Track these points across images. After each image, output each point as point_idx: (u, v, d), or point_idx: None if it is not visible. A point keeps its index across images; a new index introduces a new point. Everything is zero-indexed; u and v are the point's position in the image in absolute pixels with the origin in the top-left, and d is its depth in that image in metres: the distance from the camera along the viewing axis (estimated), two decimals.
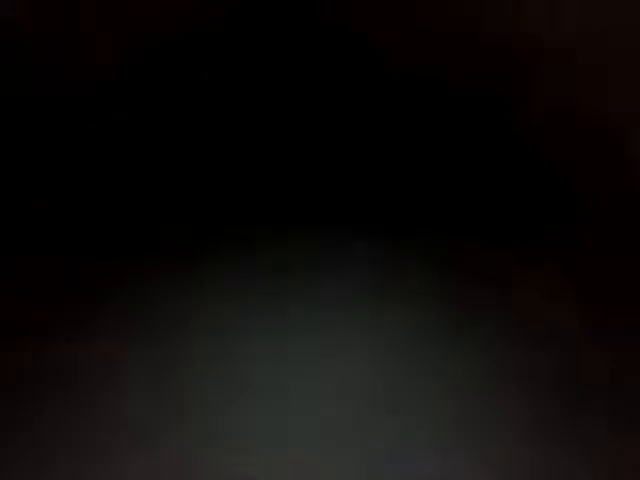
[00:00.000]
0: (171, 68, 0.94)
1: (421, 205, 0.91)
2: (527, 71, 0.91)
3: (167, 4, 0.93)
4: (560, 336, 0.82)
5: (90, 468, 0.72)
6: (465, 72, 0.92)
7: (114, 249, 0.86)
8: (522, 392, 0.78)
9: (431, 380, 0.78)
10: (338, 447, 0.74)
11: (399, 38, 0.93)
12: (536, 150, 0.92)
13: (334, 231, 0.89)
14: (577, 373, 0.79)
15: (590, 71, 0.90)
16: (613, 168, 0.90)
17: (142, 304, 0.83)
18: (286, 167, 0.93)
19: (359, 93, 0.95)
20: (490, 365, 0.79)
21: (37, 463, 0.72)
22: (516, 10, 0.90)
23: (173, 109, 0.94)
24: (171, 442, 0.74)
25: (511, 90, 0.92)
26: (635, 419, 0.76)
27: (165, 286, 0.84)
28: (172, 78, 0.94)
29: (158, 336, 0.80)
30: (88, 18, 0.92)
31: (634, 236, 0.88)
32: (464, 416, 0.76)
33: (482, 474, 0.73)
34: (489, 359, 0.80)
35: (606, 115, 0.89)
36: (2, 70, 0.91)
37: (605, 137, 0.90)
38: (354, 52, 0.94)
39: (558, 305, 0.84)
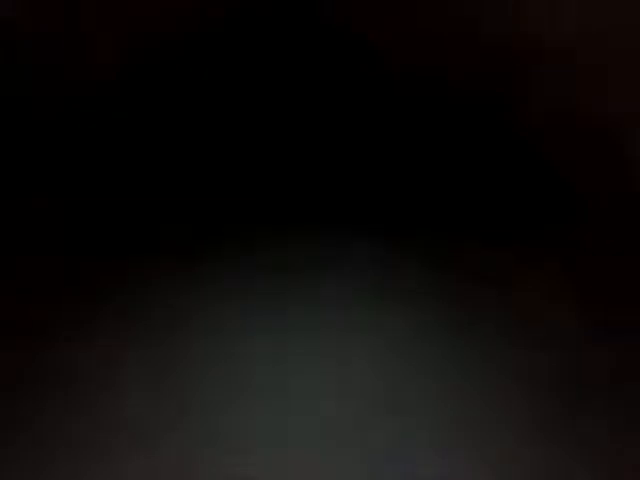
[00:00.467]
0: (171, 68, 0.94)
1: (421, 205, 0.91)
2: (527, 71, 0.91)
3: (167, 4, 0.93)
4: (560, 336, 0.82)
5: (90, 468, 0.72)
6: (465, 72, 0.92)
7: (114, 249, 0.86)
8: (522, 392, 0.78)
9: (431, 380, 0.78)
10: (338, 447, 0.74)
11: (399, 38, 0.93)
12: (536, 150, 0.92)
13: (334, 231, 0.89)
14: (577, 373, 0.79)
15: (590, 71, 0.90)
16: (613, 168, 0.90)
17: (142, 304, 0.83)
18: (286, 167, 0.93)
19: (359, 93, 0.95)
20: (490, 365, 0.79)
21: (37, 463, 0.72)
22: (516, 10, 0.90)
23: (173, 109, 0.94)
24: (171, 442, 0.74)
25: (511, 90, 0.92)
26: (635, 419, 0.76)
27: (165, 286, 0.84)
28: (172, 78, 0.94)
29: (158, 336, 0.80)
30: (88, 18, 0.92)
31: (634, 236, 0.88)
32: (464, 416, 0.76)
33: (482, 474, 0.73)
34: (489, 359, 0.80)
35: (606, 115, 0.89)
36: (2, 70, 0.91)
37: (605, 137, 0.90)
38: (354, 52, 0.94)
39: (558, 305, 0.84)
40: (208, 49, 0.94)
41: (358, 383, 0.78)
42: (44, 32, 0.91)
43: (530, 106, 0.92)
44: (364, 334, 0.81)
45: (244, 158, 0.93)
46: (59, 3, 0.91)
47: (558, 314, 0.83)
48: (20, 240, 0.87)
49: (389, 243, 0.88)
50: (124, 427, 0.75)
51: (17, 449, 0.73)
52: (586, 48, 0.89)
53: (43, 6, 0.91)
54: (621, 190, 0.89)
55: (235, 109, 0.95)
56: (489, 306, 0.83)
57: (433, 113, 0.94)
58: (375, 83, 0.94)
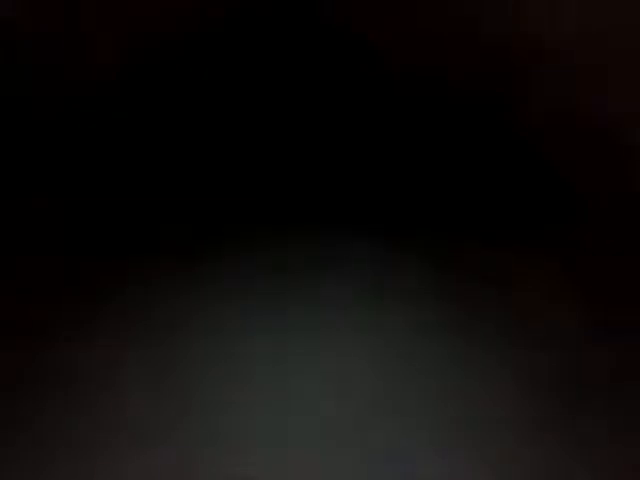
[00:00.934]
0: (171, 68, 0.94)
1: (421, 205, 0.91)
2: (527, 71, 0.91)
3: (167, 4, 0.93)
4: (560, 336, 0.82)
5: (90, 468, 0.72)
6: (465, 72, 0.93)
7: (114, 249, 0.86)
8: (522, 392, 0.78)
9: (431, 380, 0.78)
10: (338, 447, 0.74)
11: (399, 38, 0.93)
12: (536, 150, 0.92)
13: (334, 231, 0.89)
14: (577, 373, 0.79)
15: (590, 71, 0.90)
16: (613, 168, 0.90)
17: (142, 304, 0.83)
18: (286, 167, 0.93)
19: (359, 93, 0.95)
20: (490, 365, 0.79)
21: (37, 463, 0.72)
22: (516, 10, 0.90)
23: (173, 109, 0.94)
24: (171, 442, 0.74)
25: (511, 90, 0.92)
26: (635, 419, 0.76)
27: (165, 286, 0.84)
28: (172, 78, 0.94)
29: (158, 336, 0.80)
30: (88, 18, 0.92)
31: (634, 236, 0.88)
32: (464, 416, 0.76)
33: (482, 474, 0.73)
34: (489, 359, 0.80)
35: (606, 115, 0.89)
36: (2, 70, 0.91)
37: (605, 137, 0.90)
38: (354, 52, 0.94)
39: (558, 305, 0.84)
40: (208, 49, 0.94)
41: (358, 383, 0.78)
42: (44, 32, 0.91)
43: (530, 106, 0.92)
44: (364, 334, 0.81)
45: (244, 158, 0.93)
46: (59, 3, 0.91)
47: (558, 314, 0.83)
48: (20, 240, 0.87)
49: (389, 243, 0.88)
50: (124, 427, 0.75)
51: (17, 449, 0.73)
52: (586, 48, 0.89)
53: (43, 6, 0.91)
54: (621, 190, 0.89)
55: (235, 109, 0.95)
56: (489, 306, 0.83)
57: (433, 113, 0.94)
58: (375, 83, 0.94)
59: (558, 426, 0.76)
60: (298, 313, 0.82)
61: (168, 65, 0.94)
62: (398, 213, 0.90)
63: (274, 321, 0.82)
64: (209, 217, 0.89)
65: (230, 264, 0.86)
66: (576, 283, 0.85)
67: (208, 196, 0.91)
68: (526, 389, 0.78)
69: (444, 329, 0.82)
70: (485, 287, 0.85)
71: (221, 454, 0.73)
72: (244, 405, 0.76)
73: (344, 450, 0.74)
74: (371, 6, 0.93)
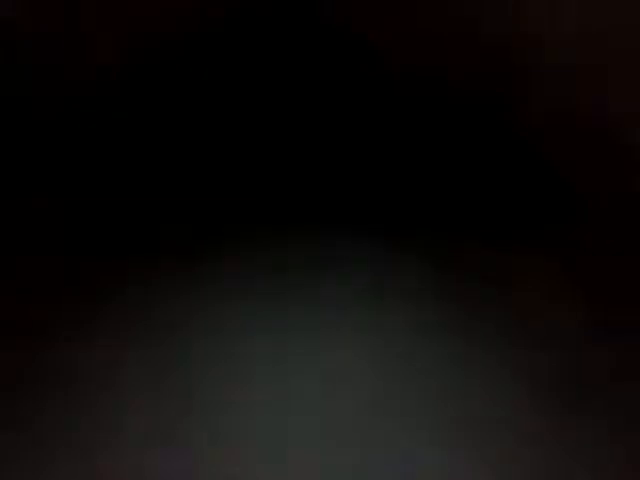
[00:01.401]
0: (171, 68, 0.94)
1: (421, 205, 0.91)
2: (527, 71, 0.91)
3: (167, 4, 0.93)
4: (560, 336, 0.82)
5: (90, 468, 0.72)
6: (465, 72, 0.92)
7: (114, 249, 0.86)
8: (522, 392, 0.78)
9: (431, 380, 0.78)
10: (338, 447, 0.74)
11: (399, 38, 0.93)
12: (536, 150, 0.92)
13: (334, 231, 0.89)
14: (577, 373, 0.79)
15: (590, 71, 0.90)
16: (613, 168, 0.90)
17: (142, 304, 0.83)
18: (286, 167, 0.93)
19: (359, 93, 0.95)
20: (490, 365, 0.79)
21: (37, 463, 0.72)
22: (516, 10, 0.90)
23: (173, 109, 0.94)
24: (171, 442, 0.74)
25: (511, 90, 0.92)
26: (635, 419, 0.76)
27: (165, 286, 0.84)
28: (172, 78, 0.94)
29: (158, 336, 0.80)
30: (88, 18, 0.92)
31: (634, 236, 0.88)
32: (464, 416, 0.76)
33: (482, 474, 0.73)
34: (489, 359, 0.80)
35: (606, 115, 0.89)
36: (2, 70, 0.91)
37: (605, 137, 0.90)
38: (354, 52, 0.94)
39: (558, 305, 0.84)
40: (208, 49, 0.94)
41: (358, 383, 0.78)
42: (44, 32, 0.91)
43: (530, 106, 0.92)
44: (364, 334, 0.81)
45: (244, 158, 0.93)
46: (59, 3, 0.91)
47: (558, 314, 0.83)
48: (20, 240, 0.87)
49: (389, 243, 0.88)
50: (124, 427, 0.75)
51: (17, 449, 0.73)
52: (586, 48, 0.89)
53: (43, 6, 0.91)
54: (621, 190, 0.89)
55: (235, 109, 0.95)
56: (489, 306, 0.83)
57: (433, 113, 0.94)
58: (375, 83, 0.94)
59: (558, 426, 0.76)
60: (298, 313, 0.82)
61: (168, 65, 0.94)
62: (398, 213, 0.90)
63: (274, 321, 0.82)
64: (209, 217, 0.89)
65: (230, 264, 0.86)
66: (576, 283, 0.85)
67: (208, 196, 0.91)
68: (526, 389, 0.78)
69: (444, 329, 0.82)
70: (485, 287, 0.85)
71: (221, 454, 0.73)
72: (244, 405, 0.76)
73: (344, 450, 0.74)
74: (371, 6, 0.93)
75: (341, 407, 0.76)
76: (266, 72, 0.95)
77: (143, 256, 0.86)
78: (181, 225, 0.89)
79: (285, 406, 0.76)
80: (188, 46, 0.94)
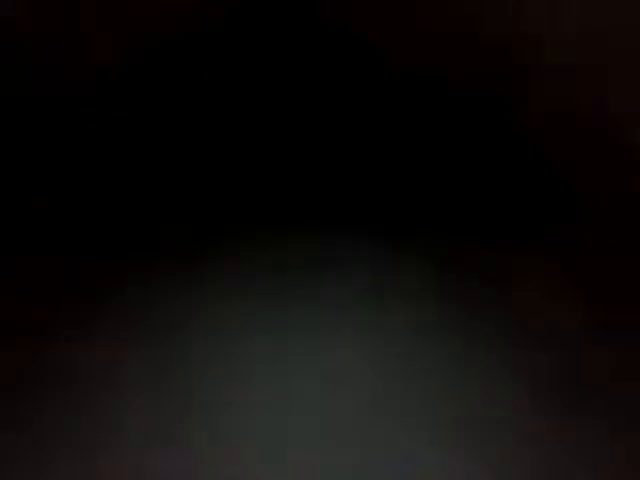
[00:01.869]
0: (171, 68, 0.94)
1: (421, 205, 0.91)
2: (527, 71, 0.91)
3: (167, 4, 0.93)
4: (560, 336, 0.82)
5: (90, 468, 0.72)
6: (465, 72, 0.92)
7: (114, 249, 0.86)
8: (522, 392, 0.78)
9: (431, 380, 0.78)
10: (338, 447, 0.74)
11: (399, 38, 0.93)
12: (536, 150, 0.92)
13: (334, 231, 0.89)
14: (577, 373, 0.79)
15: (590, 71, 0.90)
16: (613, 168, 0.90)
17: (142, 304, 0.83)
18: (286, 167, 0.93)
19: (359, 93, 0.95)
20: (490, 365, 0.79)
21: (37, 463, 0.72)
22: (516, 10, 0.90)
23: (173, 109, 0.94)
24: (171, 442, 0.74)
25: (511, 90, 0.92)
26: (635, 419, 0.76)
27: (165, 286, 0.84)
28: (172, 78, 0.94)
29: (158, 336, 0.80)
30: (88, 18, 0.92)
31: (634, 236, 0.88)
32: (464, 416, 0.76)
33: (482, 474, 0.73)
34: (489, 359, 0.80)
35: (606, 115, 0.89)
36: (2, 70, 0.91)
37: (605, 137, 0.90)
38: (354, 52, 0.94)
39: (558, 305, 0.84)
40: (208, 49, 0.94)
41: (358, 383, 0.78)
42: (44, 32, 0.91)
43: (530, 106, 0.92)
44: (364, 334, 0.81)
45: (244, 158, 0.93)
46: (59, 3, 0.91)
47: (558, 314, 0.83)
48: (20, 240, 0.87)
49: (389, 243, 0.88)
50: (124, 427, 0.75)
51: (17, 449, 0.73)
52: (586, 48, 0.89)
53: (43, 6, 0.91)
54: (621, 190, 0.89)
55: (235, 109, 0.95)
56: (489, 306, 0.83)
57: (433, 113, 0.94)
58: (375, 83, 0.94)
59: (558, 426, 0.76)
60: (298, 313, 0.82)
61: (168, 65, 0.94)
62: (398, 213, 0.90)
63: (274, 321, 0.82)
64: (209, 217, 0.89)
65: (230, 264, 0.86)
66: (576, 283, 0.85)
67: (208, 196, 0.91)
68: (526, 389, 0.78)
69: (444, 329, 0.82)
70: (485, 287, 0.85)
71: (221, 454, 0.73)
72: (244, 405, 0.76)
73: (344, 450, 0.74)
74: (371, 6, 0.93)
75: (341, 407, 0.76)
76: (266, 72, 0.95)
77: (143, 256, 0.86)
78: (181, 225, 0.89)
79: (285, 406, 0.76)
80: (188, 46, 0.94)
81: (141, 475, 0.72)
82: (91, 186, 0.91)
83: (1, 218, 0.88)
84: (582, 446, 0.75)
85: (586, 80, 0.90)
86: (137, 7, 0.92)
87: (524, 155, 0.92)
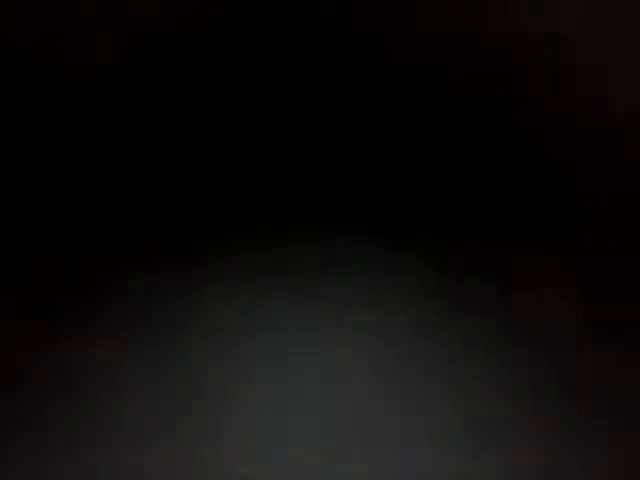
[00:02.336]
0: (171, 68, 0.94)
1: (421, 205, 0.91)
2: (527, 71, 0.91)
3: (167, 4, 0.93)
4: (560, 336, 0.82)
5: (90, 468, 0.72)
6: (465, 72, 0.92)
7: (114, 249, 0.86)
8: (522, 392, 0.78)
9: (431, 380, 0.78)
10: (338, 447, 0.74)
11: (399, 38, 0.93)
12: (536, 150, 0.92)
13: (334, 231, 0.89)
14: (577, 373, 0.79)
15: (590, 71, 0.90)
16: (613, 168, 0.90)
17: (142, 304, 0.83)
18: (286, 167, 0.93)
19: (359, 93, 0.95)
20: (490, 365, 0.79)
21: (37, 463, 0.72)
22: (516, 10, 0.90)
23: (173, 109, 0.94)
24: (171, 442, 0.74)
25: (511, 90, 0.92)
26: (635, 419, 0.76)
27: (165, 286, 0.84)
28: (172, 78, 0.94)
29: (158, 336, 0.80)
30: (88, 18, 0.92)
31: (634, 236, 0.88)
32: (464, 416, 0.76)
33: (482, 474, 0.73)
34: (489, 359, 0.80)
35: (606, 115, 0.89)
36: (2, 70, 0.91)
37: (605, 137, 0.90)
38: (354, 52, 0.94)
39: (558, 305, 0.84)
40: (208, 49, 0.94)
41: (358, 383, 0.78)
42: (44, 32, 0.91)
43: (530, 106, 0.92)
44: (364, 334, 0.81)
45: (244, 158, 0.93)
46: (59, 3, 0.91)
47: (558, 314, 0.83)
48: (20, 240, 0.87)
49: (389, 243, 0.88)
50: (124, 427, 0.75)
51: (17, 449, 0.73)
52: (586, 48, 0.89)
53: (43, 6, 0.91)
54: (621, 190, 0.89)
55: (235, 109, 0.95)
56: (489, 306, 0.83)
57: (433, 113, 0.94)
58: (375, 83, 0.94)
59: (558, 426, 0.76)
60: (298, 313, 0.82)
61: (168, 65, 0.94)
62: (398, 213, 0.90)
63: (274, 321, 0.82)
64: (209, 217, 0.89)
65: (230, 264, 0.86)
66: (576, 283, 0.85)
67: (208, 196, 0.91)
68: (526, 389, 0.78)
69: (444, 329, 0.82)
70: (485, 287, 0.85)
71: (221, 454, 0.73)
72: (244, 405, 0.76)
73: (344, 450, 0.74)
74: (371, 6, 0.93)
75: (341, 407, 0.76)
76: (266, 72, 0.95)
77: (143, 256, 0.86)
78: (181, 225, 0.89)
79: (285, 406, 0.76)
80: (188, 46, 0.94)
81: (141, 475, 0.72)
82: (91, 186, 0.91)
83: (1, 218, 0.88)
84: (582, 446, 0.75)
85: (586, 80, 0.90)
86: (137, 7, 0.92)
87: (524, 155, 0.92)
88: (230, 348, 0.80)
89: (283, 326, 0.81)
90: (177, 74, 0.94)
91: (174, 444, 0.74)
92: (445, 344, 0.81)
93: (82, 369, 0.78)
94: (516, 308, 0.83)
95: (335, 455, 0.74)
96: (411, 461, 0.73)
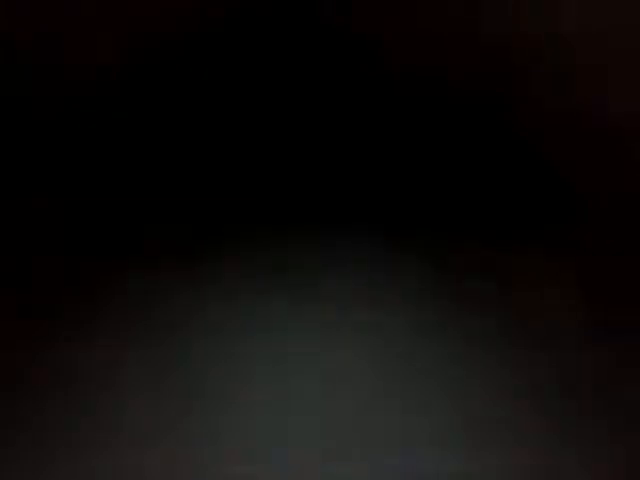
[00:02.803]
0: (171, 68, 0.94)
1: (421, 205, 0.91)
2: (527, 71, 0.91)
3: (167, 4, 0.93)
4: (560, 336, 0.82)
5: (90, 468, 0.72)
6: (465, 72, 0.92)
7: (114, 249, 0.86)
8: (522, 392, 0.78)
9: (431, 380, 0.78)
10: (338, 447, 0.74)
11: (399, 38, 0.93)
12: (536, 150, 0.92)
13: (334, 231, 0.89)
14: (577, 373, 0.79)
15: (590, 71, 0.90)
16: (613, 168, 0.90)
17: (142, 304, 0.83)
18: (286, 167, 0.93)
19: (359, 93, 0.95)
20: (490, 365, 0.79)
21: (37, 463, 0.72)
22: (516, 10, 0.90)
23: (173, 109, 0.94)
24: (171, 442, 0.74)
25: (511, 90, 0.92)
26: (635, 419, 0.76)
27: (165, 286, 0.84)
28: (172, 78, 0.94)
29: (158, 336, 0.80)
30: (88, 18, 0.92)
31: (634, 236, 0.88)
32: (464, 416, 0.76)
33: (482, 474, 0.73)
34: (489, 359, 0.80)
35: (606, 115, 0.89)
36: (2, 70, 0.91)
37: (605, 137, 0.90)
38: (354, 52, 0.94)
39: (558, 305, 0.84)
40: (208, 49, 0.94)
41: (358, 383, 0.78)
42: (44, 32, 0.91)
43: (530, 106, 0.92)
44: (364, 334, 0.81)
45: (244, 158, 0.93)
46: (59, 3, 0.91)
47: (558, 314, 0.83)
48: (20, 240, 0.87)
49: (389, 243, 0.88)
50: (124, 427, 0.75)
51: (17, 449, 0.73)
52: (586, 48, 0.89)
53: (43, 6, 0.91)
54: (621, 190, 0.89)
55: (235, 109, 0.95)
56: (489, 306, 0.83)
57: (433, 113, 0.94)
58: (375, 83, 0.94)
59: (558, 426, 0.76)
60: (298, 313, 0.82)
61: (168, 65, 0.94)
62: (398, 213, 0.90)
63: (274, 321, 0.82)
64: (209, 217, 0.89)
65: (230, 264, 0.86)
66: (576, 283, 0.85)
67: (208, 196, 0.91)
68: (526, 389, 0.78)
69: (444, 329, 0.82)
70: (485, 287, 0.85)
71: (221, 454, 0.73)
72: (244, 405, 0.76)
73: (344, 450, 0.74)
74: (371, 6, 0.93)
75: (341, 407, 0.76)
76: (266, 72, 0.95)
77: (143, 256, 0.86)
78: (181, 225, 0.89)
79: (285, 406, 0.76)
80: (188, 46, 0.94)
81: (141, 475, 0.72)
82: (91, 186, 0.91)
83: (1, 218, 0.88)
84: (582, 446, 0.75)
85: (586, 80, 0.90)
86: (137, 7, 0.92)
87: (524, 155, 0.92)
88: (230, 348, 0.80)
89: (283, 326, 0.81)
90: (177, 74, 0.94)
91: (174, 444, 0.74)
92: (445, 344, 0.81)
93: (82, 369, 0.78)
94: (516, 308, 0.83)
95: (335, 455, 0.74)
96: (411, 461, 0.73)
